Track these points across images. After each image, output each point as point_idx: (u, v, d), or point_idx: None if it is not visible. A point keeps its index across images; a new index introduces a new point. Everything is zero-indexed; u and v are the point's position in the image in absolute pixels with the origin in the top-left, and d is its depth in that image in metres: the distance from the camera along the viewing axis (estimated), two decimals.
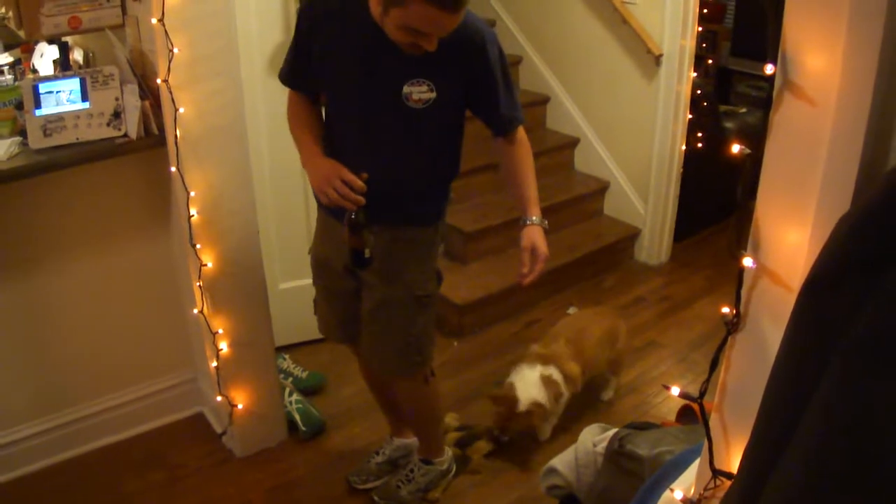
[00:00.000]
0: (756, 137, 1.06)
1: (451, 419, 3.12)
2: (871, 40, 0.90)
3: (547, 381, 2.95)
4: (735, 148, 1.07)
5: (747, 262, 1.09)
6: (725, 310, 1.15)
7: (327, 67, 2.21)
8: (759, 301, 1.11)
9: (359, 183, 2.09)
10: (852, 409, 0.88)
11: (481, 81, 2.16)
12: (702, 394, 1.21)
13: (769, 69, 0.99)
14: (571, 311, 3.98)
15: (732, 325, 1.14)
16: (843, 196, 0.96)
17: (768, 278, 1.08)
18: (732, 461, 1.19)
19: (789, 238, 1.03)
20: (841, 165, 0.95)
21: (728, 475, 1.19)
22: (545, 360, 3.01)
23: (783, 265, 1.05)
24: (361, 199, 2.09)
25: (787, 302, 0.97)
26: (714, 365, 1.19)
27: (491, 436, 3.03)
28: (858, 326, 0.87)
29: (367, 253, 2.20)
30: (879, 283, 0.86)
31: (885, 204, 0.86)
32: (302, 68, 2.28)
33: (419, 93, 2.11)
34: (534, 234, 2.30)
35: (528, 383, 2.94)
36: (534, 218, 2.31)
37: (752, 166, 1.05)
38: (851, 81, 0.92)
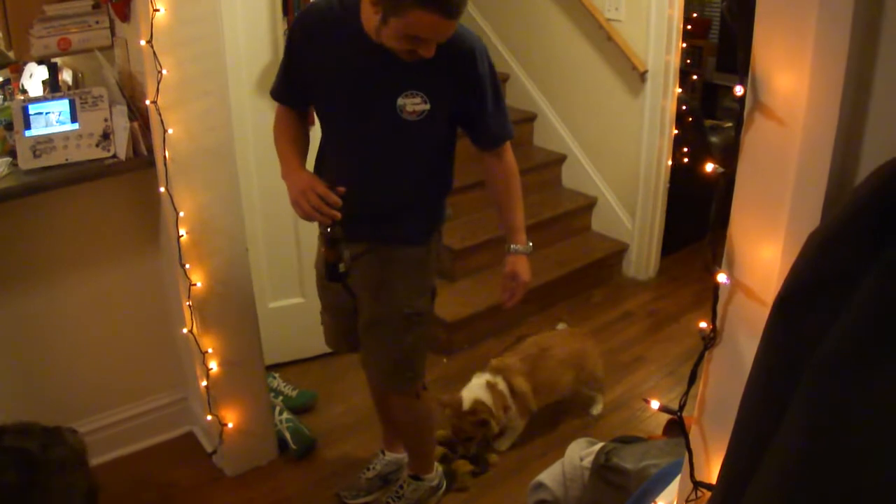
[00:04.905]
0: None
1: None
2: (836, 60, 0.92)
3: (492, 388, 3.02)
4: (709, 167, 1.10)
5: (722, 278, 1.11)
6: (703, 325, 1.17)
7: (320, 82, 2.23)
8: (734, 316, 1.13)
9: (333, 197, 2.10)
10: (827, 419, 0.90)
11: (471, 92, 2.18)
12: (681, 407, 1.23)
13: (739, 90, 1.02)
14: (560, 326, 4.00)
15: (709, 340, 1.16)
16: (813, 212, 0.98)
17: (743, 293, 1.10)
18: (712, 472, 1.21)
19: (762, 254, 1.06)
20: (810, 183, 0.98)
21: (708, 486, 1.21)
22: (494, 371, 3.09)
23: (757, 280, 1.08)
24: (336, 213, 2.10)
25: (762, 316, 0.99)
26: (692, 379, 1.21)
27: (464, 448, 3.06)
28: (831, 338, 0.89)
29: (342, 267, 2.21)
30: (850, 295, 0.88)
31: (852, 220, 0.89)
32: (293, 84, 2.30)
33: (413, 104, 2.12)
34: (516, 263, 2.40)
35: (473, 387, 3.04)
36: (518, 246, 2.40)
37: (725, 184, 1.08)
38: (819, 101, 0.95)
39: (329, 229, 2.15)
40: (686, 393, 1.21)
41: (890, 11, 0.90)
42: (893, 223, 0.84)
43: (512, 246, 2.40)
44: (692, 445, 1.26)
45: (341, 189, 2.11)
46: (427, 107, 2.13)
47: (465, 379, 3.55)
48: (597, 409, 3.38)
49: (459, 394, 3.02)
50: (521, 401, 3.07)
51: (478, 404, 2.97)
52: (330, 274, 2.24)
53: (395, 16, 1.89)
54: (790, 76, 0.97)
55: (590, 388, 3.35)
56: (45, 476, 1.51)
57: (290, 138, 2.33)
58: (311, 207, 2.11)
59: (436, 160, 2.32)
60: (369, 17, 1.99)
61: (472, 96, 2.19)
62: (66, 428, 1.63)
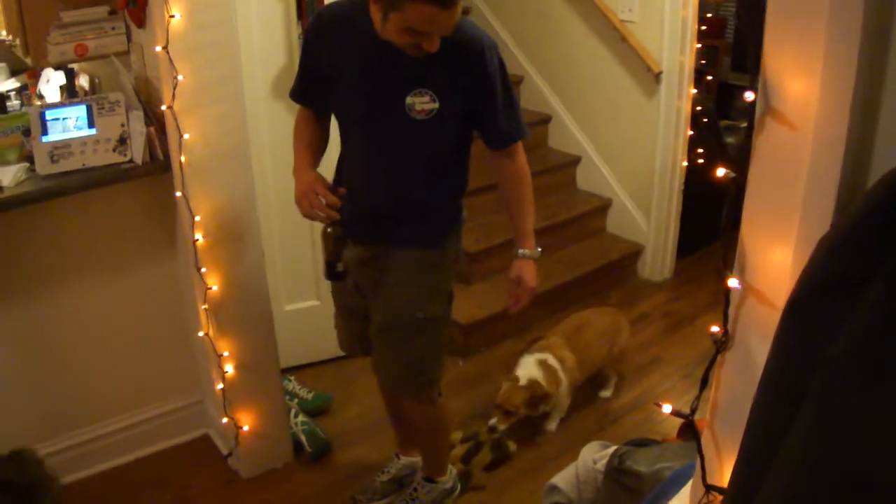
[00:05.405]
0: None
1: (454, 435, 3.14)
2: (847, 65, 0.92)
3: (543, 364, 3.11)
4: (720, 171, 1.10)
5: (733, 282, 1.11)
6: (715, 329, 1.17)
7: (333, 82, 2.24)
8: (746, 320, 1.13)
9: (332, 198, 2.11)
10: (835, 420, 0.90)
11: (480, 89, 2.17)
12: (693, 411, 1.23)
13: (749, 96, 1.02)
14: None
15: (721, 344, 1.17)
16: (823, 217, 0.98)
17: (754, 297, 1.10)
18: (725, 476, 1.21)
19: (773, 258, 1.06)
20: (821, 187, 0.98)
21: (720, 490, 1.21)
22: (541, 349, 3.19)
23: (768, 284, 1.08)
24: (335, 214, 2.12)
25: (773, 320, 0.99)
26: (704, 382, 1.21)
27: (492, 439, 3.10)
28: (840, 340, 0.89)
29: (339, 267, 2.26)
30: (859, 298, 0.88)
31: (862, 224, 0.89)
32: (309, 84, 2.32)
33: (422, 103, 2.12)
34: (522, 268, 2.38)
35: (526, 366, 3.13)
36: (525, 251, 2.38)
37: (736, 189, 1.08)
38: (830, 106, 0.95)
39: (329, 229, 2.19)
40: (698, 396, 1.21)
41: None
42: None
43: (520, 250, 2.38)
44: (704, 449, 1.26)
45: (342, 190, 2.14)
46: (436, 105, 2.13)
47: (481, 381, 3.57)
48: (607, 393, 3.49)
49: (515, 373, 3.11)
50: (569, 374, 3.17)
51: (534, 383, 3.05)
52: (328, 272, 2.30)
53: (393, 10, 1.92)
54: (801, 81, 0.97)
55: (612, 366, 3.47)
56: (31, 500, 1.54)
57: (306, 137, 2.35)
58: (310, 207, 2.13)
59: (448, 161, 2.32)
60: (374, 15, 2.01)
61: (481, 93, 2.19)
62: (24, 450, 1.66)
